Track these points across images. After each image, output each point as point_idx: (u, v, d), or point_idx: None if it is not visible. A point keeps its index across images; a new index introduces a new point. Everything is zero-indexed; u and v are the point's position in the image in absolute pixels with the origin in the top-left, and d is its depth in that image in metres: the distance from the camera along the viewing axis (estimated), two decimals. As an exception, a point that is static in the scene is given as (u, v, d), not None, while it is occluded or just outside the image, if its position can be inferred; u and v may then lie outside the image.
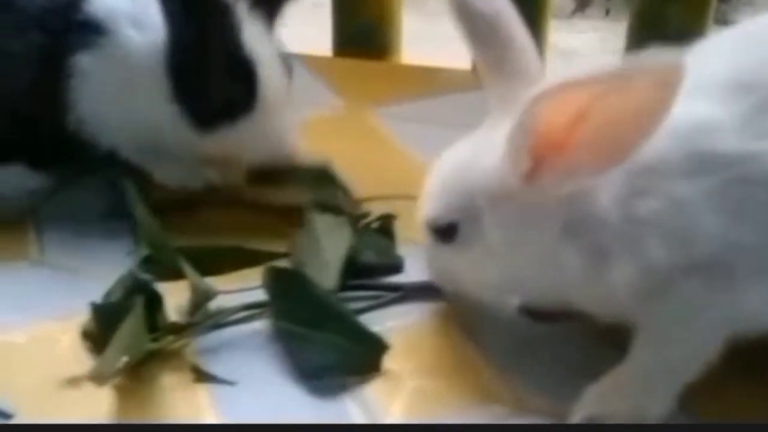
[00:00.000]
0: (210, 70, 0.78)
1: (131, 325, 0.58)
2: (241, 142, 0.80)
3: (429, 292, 0.68)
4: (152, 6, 0.78)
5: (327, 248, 0.69)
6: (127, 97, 0.80)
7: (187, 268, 0.67)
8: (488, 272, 0.61)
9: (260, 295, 0.67)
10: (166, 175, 0.86)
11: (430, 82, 1.12)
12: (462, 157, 0.61)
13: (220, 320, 0.65)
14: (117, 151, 0.84)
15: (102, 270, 0.73)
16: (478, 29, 0.61)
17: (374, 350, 0.61)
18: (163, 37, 0.78)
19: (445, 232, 0.61)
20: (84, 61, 0.79)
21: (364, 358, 0.61)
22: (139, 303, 0.60)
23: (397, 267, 0.73)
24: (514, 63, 0.61)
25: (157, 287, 0.65)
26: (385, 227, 0.75)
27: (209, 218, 0.82)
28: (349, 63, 1.19)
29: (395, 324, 0.67)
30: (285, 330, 0.64)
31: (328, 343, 0.61)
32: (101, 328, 0.63)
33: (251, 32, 0.79)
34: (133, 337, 0.57)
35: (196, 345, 0.65)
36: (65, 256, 0.78)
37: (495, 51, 0.61)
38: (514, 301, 0.67)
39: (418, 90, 1.08)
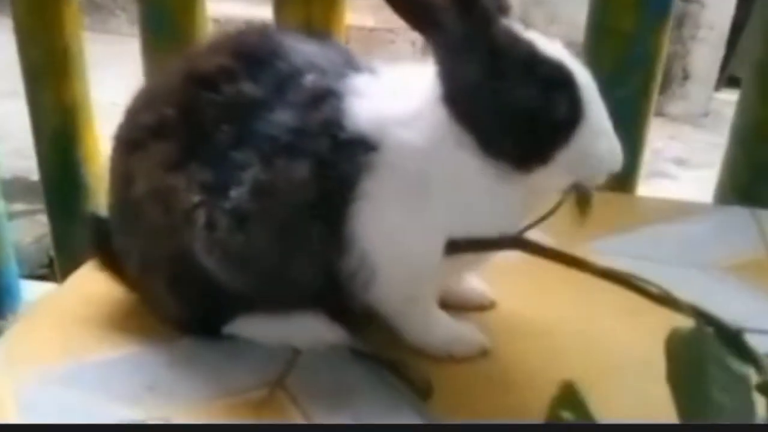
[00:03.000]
0: (518, 92, 0.64)
1: None
2: (576, 164, 0.65)
3: None
4: (409, 92, 0.68)
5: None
6: (420, 204, 0.67)
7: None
8: None
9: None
10: (428, 337, 0.73)
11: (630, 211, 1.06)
12: None
13: None
14: (377, 304, 0.71)
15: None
16: None
17: None
18: (445, 95, 0.66)
19: None
20: (363, 185, 0.66)
21: None
22: None
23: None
24: None
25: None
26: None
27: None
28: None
29: None
30: None
31: None
32: None
33: (529, 32, 0.66)
34: None
35: None
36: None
37: None
38: None
39: (620, 221, 1.01)
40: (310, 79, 0.68)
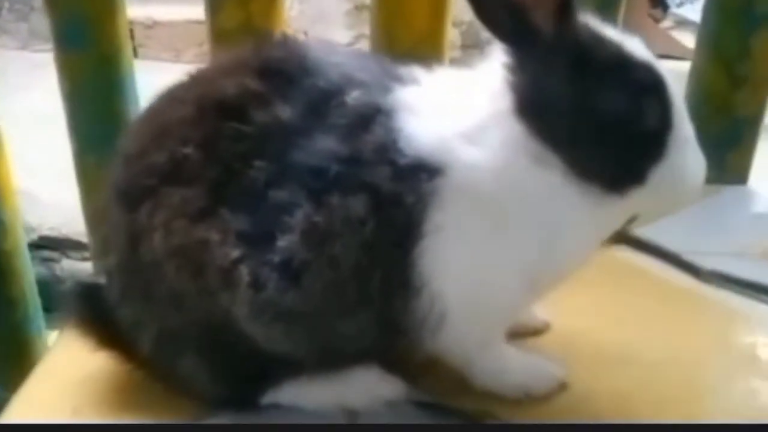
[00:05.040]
0: (609, 98, 0.56)
1: None
2: (671, 181, 0.58)
3: None
4: (467, 103, 0.59)
5: None
6: (497, 234, 0.57)
7: None
8: None
9: None
10: (503, 380, 0.64)
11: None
12: None
13: None
14: (444, 350, 0.62)
15: None
16: None
17: None
18: (520, 104, 0.57)
19: None
20: (430, 218, 0.56)
21: None
22: None
23: None
24: None
25: None
26: None
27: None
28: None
29: None
30: None
31: None
32: None
33: (613, 33, 0.58)
34: None
35: None
36: None
37: None
38: None
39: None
40: (353, 96, 0.57)
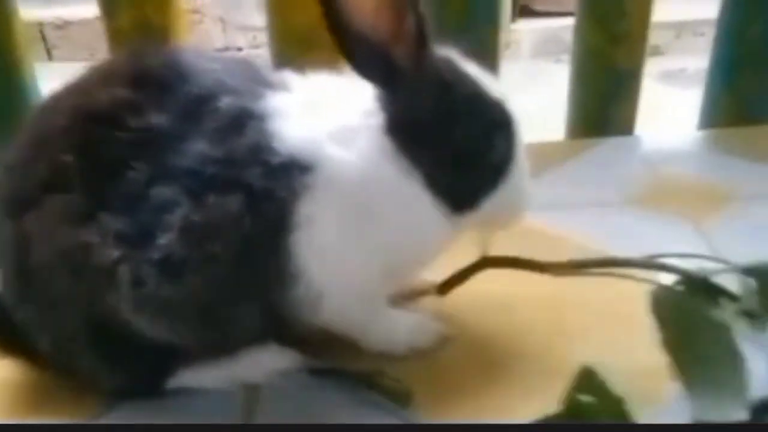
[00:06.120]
0: (465, 131, 0.63)
1: None
2: (504, 201, 0.66)
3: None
4: (336, 109, 0.65)
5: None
6: (361, 226, 0.63)
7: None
8: None
9: None
10: (387, 340, 0.70)
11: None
12: None
13: None
14: (327, 324, 0.67)
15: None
16: None
17: None
18: (390, 126, 0.63)
19: None
20: (302, 211, 0.61)
21: None
22: None
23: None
24: None
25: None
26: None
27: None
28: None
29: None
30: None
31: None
32: None
33: (473, 70, 0.65)
34: None
35: None
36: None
37: None
38: None
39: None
40: (225, 102, 0.61)
